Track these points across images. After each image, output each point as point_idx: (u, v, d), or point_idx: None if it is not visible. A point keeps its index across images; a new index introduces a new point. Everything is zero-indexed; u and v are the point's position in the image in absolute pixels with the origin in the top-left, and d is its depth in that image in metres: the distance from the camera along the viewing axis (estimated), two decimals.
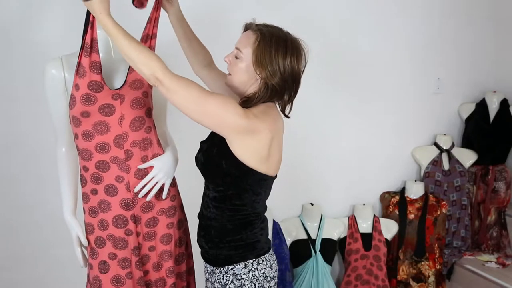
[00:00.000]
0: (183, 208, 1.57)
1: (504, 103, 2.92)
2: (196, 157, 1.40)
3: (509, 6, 3.01)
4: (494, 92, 2.97)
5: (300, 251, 2.46)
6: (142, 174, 1.39)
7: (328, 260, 2.50)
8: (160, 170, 1.40)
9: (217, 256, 1.36)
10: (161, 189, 1.44)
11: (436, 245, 2.72)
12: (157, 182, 1.40)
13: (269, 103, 1.33)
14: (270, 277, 1.37)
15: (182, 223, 1.55)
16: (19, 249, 1.98)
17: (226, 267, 1.34)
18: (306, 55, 1.31)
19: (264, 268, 1.35)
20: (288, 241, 2.47)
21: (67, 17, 1.88)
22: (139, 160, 1.38)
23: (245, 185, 1.31)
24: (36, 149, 1.93)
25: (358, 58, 2.62)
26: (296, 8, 2.39)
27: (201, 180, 1.44)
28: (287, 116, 1.37)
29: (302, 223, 2.54)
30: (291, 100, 1.34)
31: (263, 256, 1.36)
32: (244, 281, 1.32)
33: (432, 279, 2.66)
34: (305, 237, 2.50)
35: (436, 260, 2.70)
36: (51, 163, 1.77)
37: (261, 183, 1.33)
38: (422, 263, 2.66)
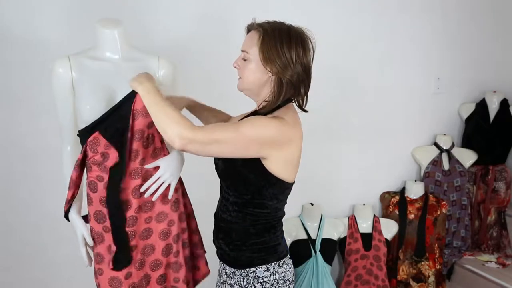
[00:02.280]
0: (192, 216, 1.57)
1: (504, 103, 2.93)
2: (216, 164, 1.37)
3: (510, 6, 3.01)
4: (494, 92, 2.97)
5: (300, 251, 2.46)
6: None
7: (328, 260, 2.49)
8: (166, 170, 1.38)
9: (238, 258, 1.34)
10: (166, 194, 1.43)
11: (436, 245, 2.72)
12: (163, 182, 1.38)
13: (289, 104, 1.31)
14: (289, 281, 1.35)
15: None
16: (19, 249, 1.98)
17: (247, 269, 1.32)
18: (313, 44, 1.29)
19: (284, 272, 1.34)
20: (288, 241, 2.47)
21: (67, 17, 1.88)
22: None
23: (270, 194, 1.29)
24: (35, 149, 1.93)
25: (358, 58, 2.62)
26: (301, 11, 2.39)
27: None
28: (304, 111, 1.33)
29: (302, 223, 2.54)
30: (306, 92, 1.31)
31: (283, 260, 1.35)
32: (265, 284, 1.30)
33: (432, 279, 2.66)
34: (305, 237, 2.49)
35: (436, 260, 2.70)
36: (51, 163, 1.77)
37: (285, 192, 1.33)
38: (422, 263, 2.66)
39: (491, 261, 2.76)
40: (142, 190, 1.37)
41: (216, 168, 1.36)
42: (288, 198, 1.41)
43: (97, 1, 1.89)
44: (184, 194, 1.54)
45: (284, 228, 2.39)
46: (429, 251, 2.67)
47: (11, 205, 1.95)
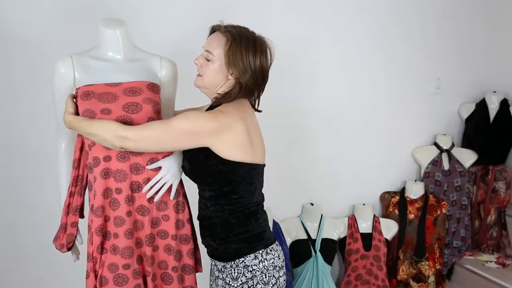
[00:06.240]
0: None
1: (504, 103, 2.93)
2: (183, 166, 1.41)
3: (509, 6, 3.02)
4: (494, 92, 2.97)
5: (300, 251, 2.46)
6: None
7: (328, 260, 2.50)
8: (168, 171, 1.39)
9: (226, 251, 1.38)
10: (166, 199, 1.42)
11: (436, 245, 2.72)
12: (165, 183, 1.39)
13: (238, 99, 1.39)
14: (279, 267, 1.40)
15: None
16: (19, 249, 1.98)
17: (237, 260, 1.36)
18: (272, 53, 1.38)
19: (273, 258, 1.38)
20: (288, 241, 2.47)
21: (66, 17, 1.88)
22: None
23: (236, 178, 1.34)
24: (36, 149, 1.93)
25: (358, 58, 2.62)
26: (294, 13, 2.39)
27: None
28: (258, 111, 1.45)
29: (302, 223, 2.54)
30: (259, 96, 1.43)
31: (271, 246, 1.40)
32: (255, 272, 1.35)
33: (432, 279, 2.66)
34: (305, 237, 2.50)
35: (436, 260, 2.70)
36: (51, 163, 1.76)
37: (251, 172, 1.36)
38: (422, 263, 2.66)
39: (491, 261, 2.76)
40: (144, 191, 1.37)
41: (184, 171, 1.41)
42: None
43: (98, 1, 1.90)
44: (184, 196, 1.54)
45: (284, 228, 2.43)
46: (429, 251, 2.68)
47: (11, 204, 1.95)
